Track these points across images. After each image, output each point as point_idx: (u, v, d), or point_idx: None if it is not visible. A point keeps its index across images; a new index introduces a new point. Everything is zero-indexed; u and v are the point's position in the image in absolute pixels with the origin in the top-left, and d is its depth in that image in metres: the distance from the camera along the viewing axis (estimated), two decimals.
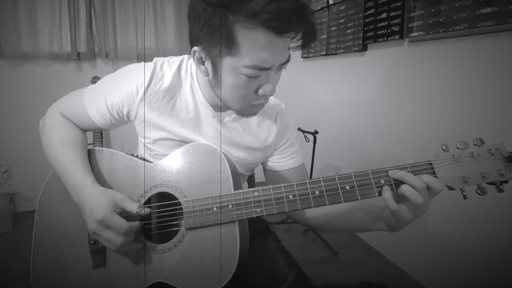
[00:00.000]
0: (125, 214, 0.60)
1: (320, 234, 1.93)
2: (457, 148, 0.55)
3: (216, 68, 0.57)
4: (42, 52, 2.03)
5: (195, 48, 0.58)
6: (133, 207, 0.60)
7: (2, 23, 1.91)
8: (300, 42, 0.56)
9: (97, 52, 2.17)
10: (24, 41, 1.98)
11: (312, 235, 1.98)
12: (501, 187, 0.53)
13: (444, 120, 1.36)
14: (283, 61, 0.57)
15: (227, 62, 0.55)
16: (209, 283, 0.59)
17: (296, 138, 0.80)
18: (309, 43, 0.56)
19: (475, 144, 0.54)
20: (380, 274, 1.65)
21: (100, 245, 0.65)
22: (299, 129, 1.94)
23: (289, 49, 0.57)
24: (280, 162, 0.78)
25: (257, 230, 0.84)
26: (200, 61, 0.60)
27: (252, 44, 0.52)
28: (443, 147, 0.55)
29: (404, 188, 0.52)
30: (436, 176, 0.53)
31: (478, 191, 0.53)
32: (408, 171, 0.54)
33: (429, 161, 0.55)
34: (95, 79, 2.08)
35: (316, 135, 1.92)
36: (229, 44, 0.52)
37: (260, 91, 0.59)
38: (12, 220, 2.00)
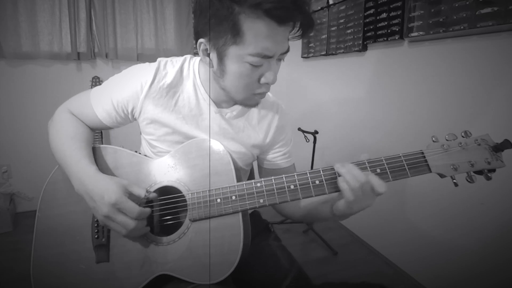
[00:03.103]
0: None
1: (320, 234, 1.93)
2: (446, 139, 0.59)
3: (221, 58, 0.61)
4: (42, 52, 2.03)
5: (201, 40, 0.62)
6: (140, 191, 0.62)
7: (2, 23, 1.90)
8: (299, 32, 0.60)
9: (97, 52, 2.17)
10: (24, 41, 1.98)
11: (312, 235, 1.98)
12: (489, 175, 0.57)
13: (446, 120, 1.36)
14: (283, 51, 0.61)
15: (233, 51, 0.58)
16: (213, 273, 0.60)
17: (291, 139, 0.83)
18: (307, 33, 0.60)
19: (462, 136, 0.59)
20: (380, 274, 1.65)
21: (103, 239, 0.65)
22: (299, 129, 1.94)
23: (288, 40, 0.61)
24: (273, 161, 0.81)
25: (257, 230, 0.84)
26: (205, 53, 0.63)
27: (256, 33, 0.56)
28: (433, 138, 0.60)
29: (340, 184, 0.57)
30: (428, 165, 0.58)
31: (468, 179, 0.57)
32: (366, 166, 0.58)
33: (421, 150, 0.59)
34: (95, 79, 2.08)
35: (316, 135, 1.92)
36: (235, 34, 0.56)
37: (263, 79, 0.62)
38: (12, 220, 2.00)
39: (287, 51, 0.62)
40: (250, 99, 0.68)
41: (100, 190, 0.59)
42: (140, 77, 0.70)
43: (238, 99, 0.68)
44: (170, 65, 0.72)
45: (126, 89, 0.70)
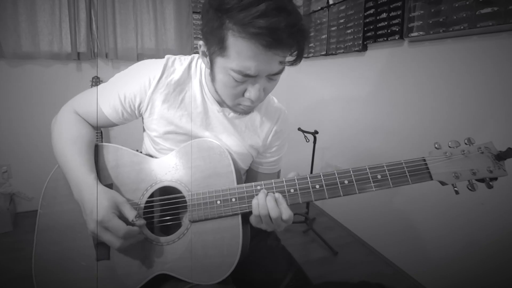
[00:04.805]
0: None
1: (320, 234, 1.93)
2: (449, 146, 0.58)
3: (211, 65, 0.62)
4: (42, 52, 2.02)
5: (200, 42, 0.63)
6: (130, 214, 0.60)
7: (2, 23, 1.90)
8: (292, 58, 0.58)
9: (97, 52, 2.17)
10: (24, 41, 1.97)
11: (312, 235, 1.98)
12: (490, 183, 0.56)
13: (447, 120, 1.36)
14: (271, 72, 0.59)
15: (219, 62, 0.59)
16: (212, 274, 0.60)
17: (284, 147, 0.83)
18: (295, 63, 0.58)
19: (465, 143, 0.58)
20: (380, 274, 1.65)
21: None
22: (299, 129, 1.94)
23: (282, 62, 0.58)
24: (262, 166, 0.82)
25: (257, 230, 0.84)
26: (204, 54, 0.64)
27: (240, 51, 0.54)
28: (436, 145, 0.59)
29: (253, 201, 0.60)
30: (430, 172, 0.57)
31: (469, 187, 0.57)
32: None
33: (423, 157, 0.58)
34: (95, 79, 2.08)
35: (316, 135, 1.92)
36: (221, 47, 0.56)
37: (246, 94, 0.62)
38: (12, 220, 2.00)
39: (278, 73, 0.59)
40: (237, 107, 0.68)
41: (91, 205, 0.59)
42: (149, 72, 0.70)
43: (226, 104, 0.68)
44: (178, 63, 0.72)
45: (134, 83, 0.70)
